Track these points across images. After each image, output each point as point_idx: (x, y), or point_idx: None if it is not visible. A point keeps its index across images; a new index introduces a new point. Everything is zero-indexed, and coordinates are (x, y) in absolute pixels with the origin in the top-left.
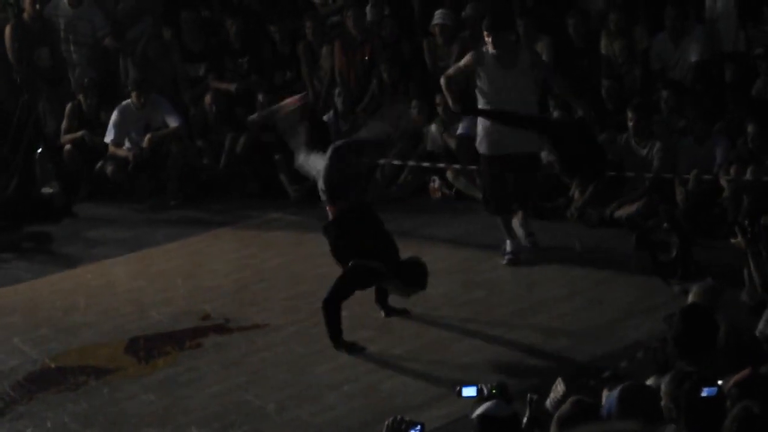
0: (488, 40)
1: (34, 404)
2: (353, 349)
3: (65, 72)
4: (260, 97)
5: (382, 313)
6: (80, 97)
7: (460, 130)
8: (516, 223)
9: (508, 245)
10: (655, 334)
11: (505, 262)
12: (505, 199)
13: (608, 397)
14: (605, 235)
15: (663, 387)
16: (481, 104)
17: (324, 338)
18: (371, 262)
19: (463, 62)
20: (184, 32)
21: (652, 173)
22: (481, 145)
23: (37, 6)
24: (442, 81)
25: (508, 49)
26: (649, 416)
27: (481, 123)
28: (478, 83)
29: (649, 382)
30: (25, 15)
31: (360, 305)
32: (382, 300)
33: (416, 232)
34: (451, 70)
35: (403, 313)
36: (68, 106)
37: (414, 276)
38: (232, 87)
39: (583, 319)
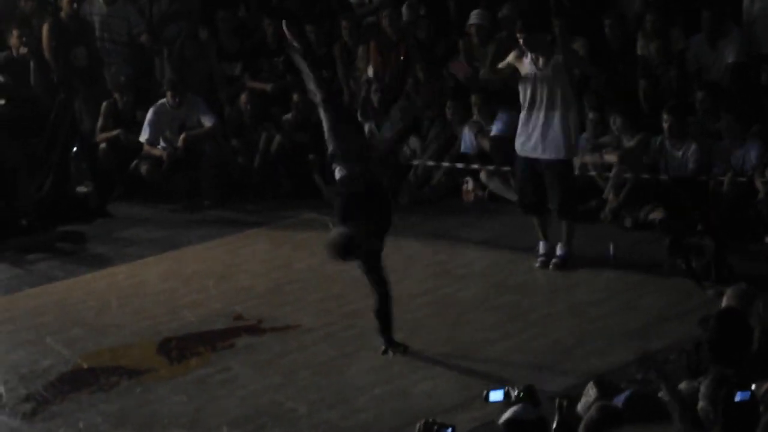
0: (520, 40)
1: (67, 404)
2: (400, 347)
3: (101, 71)
4: (295, 96)
5: (382, 348)
6: (116, 95)
7: (494, 131)
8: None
9: (541, 247)
10: (689, 337)
11: (537, 264)
12: (537, 200)
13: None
14: (639, 238)
15: (702, 390)
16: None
17: (356, 340)
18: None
19: (508, 59)
20: (220, 32)
21: (687, 175)
22: (517, 143)
23: (75, 5)
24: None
25: (542, 50)
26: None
27: (520, 120)
28: (519, 83)
29: (682, 386)
30: (63, 14)
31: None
32: (384, 331)
33: (449, 234)
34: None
35: (403, 349)
36: (104, 105)
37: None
38: (268, 87)
39: (616, 323)
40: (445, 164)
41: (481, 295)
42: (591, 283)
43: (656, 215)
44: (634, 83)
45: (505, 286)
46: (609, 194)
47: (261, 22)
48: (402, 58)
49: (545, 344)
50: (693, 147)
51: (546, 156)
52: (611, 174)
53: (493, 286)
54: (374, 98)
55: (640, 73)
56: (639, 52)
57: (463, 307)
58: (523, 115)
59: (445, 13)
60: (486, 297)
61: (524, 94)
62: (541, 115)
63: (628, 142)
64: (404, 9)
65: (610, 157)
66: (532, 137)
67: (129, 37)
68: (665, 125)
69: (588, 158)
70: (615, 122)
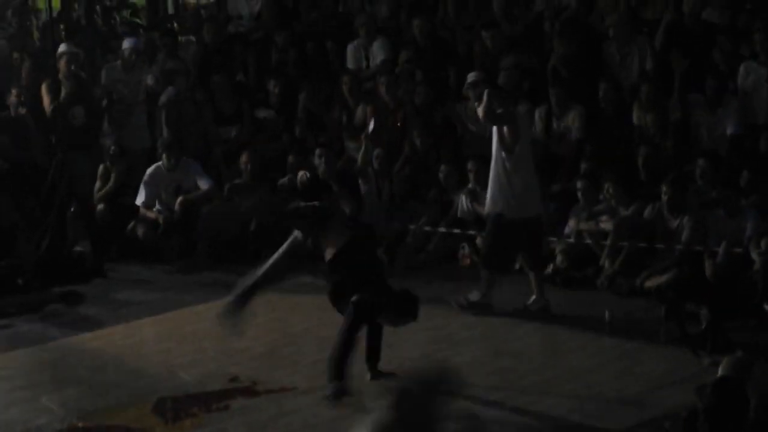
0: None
1: None
2: (341, 389)
3: (99, 131)
4: (290, 158)
5: (368, 376)
6: (108, 165)
7: None
8: (533, 283)
9: (475, 294)
10: (685, 406)
11: (455, 305)
12: (506, 258)
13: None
14: (635, 305)
15: None
16: None
17: (351, 403)
18: (372, 295)
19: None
20: (216, 95)
21: (682, 245)
22: (493, 205)
23: (72, 66)
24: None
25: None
26: None
27: (494, 183)
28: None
29: None
30: (60, 74)
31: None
32: (371, 360)
33: (445, 299)
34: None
35: (391, 376)
36: (101, 168)
37: (407, 306)
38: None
39: (612, 389)
40: (442, 230)
41: (478, 360)
42: (587, 349)
43: (652, 283)
44: (629, 150)
45: (502, 351)
46: (605, 261)
47: (262, 84)
48: (399, 124)
49: (542, 409)
50: (688, 217)
51: (523, 215)
52: (607, 242)
53: (490, 351)
54: (375, 162)
55: (637, 141)
56: (635, 122)
57: (460, 371)
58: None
59: (443, 78)
60: (483, 362)
61: None
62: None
63: (624, 211)
64: (401, 76)
65: (606, 225)
66: (514, 197)
67: (146, 96)
68: (664, 197)
69: (584, 225)
70: (608, 190)
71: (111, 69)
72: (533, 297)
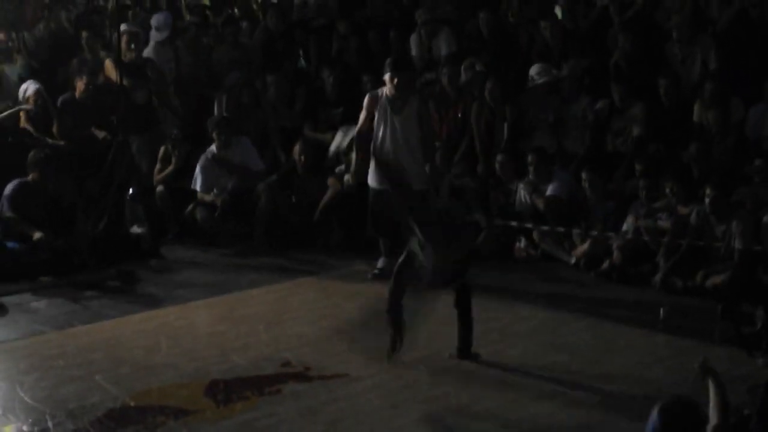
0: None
1: None
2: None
3: (159, 112)
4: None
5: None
6: (168, 147)
7: (549, 191)
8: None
9: (381, 262)
10: (736, 405)
11: (370, 276)
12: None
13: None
14: (690, 304)
15: None
16: None
17: (403, 392)
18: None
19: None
20: (278, 82)
21: (737, 249)
22: (375, 180)
23: (132, 46)
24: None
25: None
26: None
27: (375, 158)
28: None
29: None
30: (123, 56)
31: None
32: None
33: (499, 292)
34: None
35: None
36: (162, 150)
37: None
38: (326, 137)
39: (664, 387)
40: (499, 222)
41: (531, 354)
42: (640, 347)
43: (711, 282)
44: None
45: (555, 346)
46: (661, 259)
47: (321, 73)
48: (459, 115)
49: (593, 405)
50: (736, 222)
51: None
52: (664, 240)
53: (542, 346)
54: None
55: (696, 139)
56: (696, 119)
57: (512, 364)
58: None
59: (505, 71)
60: (535, 356)
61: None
62: None
63: (683, 209)
64: (463, 68)
65: (664, 223)
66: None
67: (177, 75)
68: (707, 199)
69: (642, 222)
70: (671, 189)
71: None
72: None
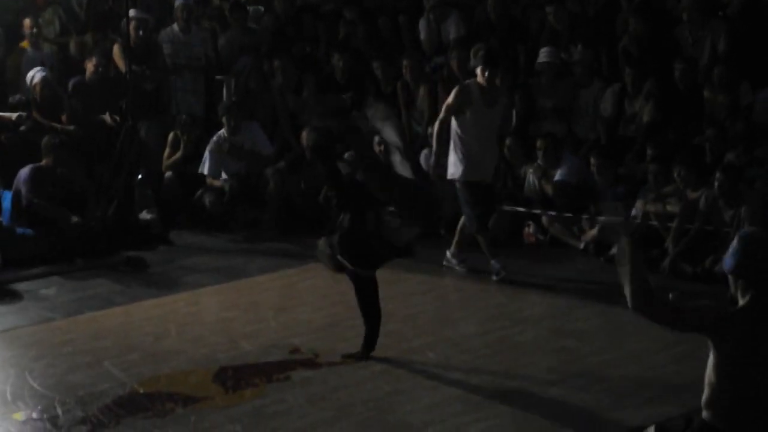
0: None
1: (122, 429)
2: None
3: (169, 99)
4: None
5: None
6: (177, 132)
7: (558, 176)
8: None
9: (496, 263)
10: None
11: (496, 278)
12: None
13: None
14: (699, 289)
15: None
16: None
17: (412, 377)
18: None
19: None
20: (286, 67)
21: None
22: (462, 172)
23: (140, 32)
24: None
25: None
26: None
27: (461, 150)
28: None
29: None
30: (131, 41)
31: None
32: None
33: (508, 276)
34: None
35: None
36: (170, 135)
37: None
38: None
39: (674, 372)
40: (507, 207)
41: (540, 339)
42: (649, 332)
43: (720, 267)
44: (700, 133)
45: (564, 331)
46: (670, 244)
47: (330, 58)
48: None
49: (601, 390)
50: (745, 208)
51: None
52: (673, 224)
53: (552, 331)
54: None
55: (706, 123)
56: (706, 103)
57: (521, 350)
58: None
59: (514, 56)
60: (544, 341)
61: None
62: None
63: (692, 194)
64: (472, 52)
65: (673, 208)
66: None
67: (206, 61)
68: (716, 183)
69: (651, 207)
70: (680, 173)
71: (167, 32)
72: None
